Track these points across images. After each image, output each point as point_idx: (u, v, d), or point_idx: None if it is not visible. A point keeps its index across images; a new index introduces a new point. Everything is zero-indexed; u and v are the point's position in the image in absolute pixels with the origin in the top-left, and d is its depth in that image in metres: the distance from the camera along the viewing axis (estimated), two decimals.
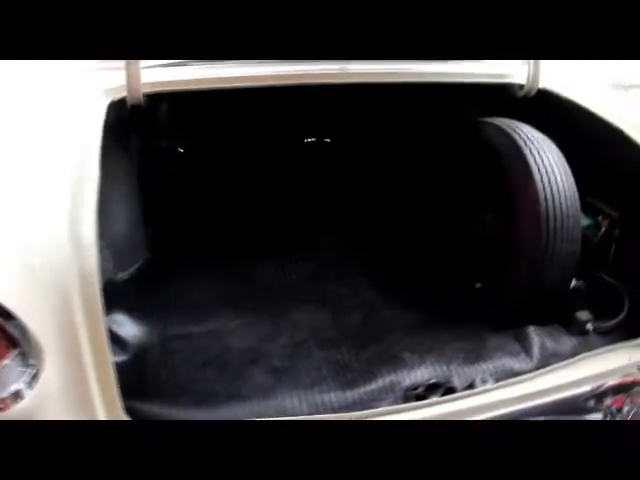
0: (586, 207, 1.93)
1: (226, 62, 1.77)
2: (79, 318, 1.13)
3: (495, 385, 1.44)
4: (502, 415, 1.36)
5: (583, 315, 1.69)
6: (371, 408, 1.37)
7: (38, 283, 1.10)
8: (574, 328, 1.69)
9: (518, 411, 1.37)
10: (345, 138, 2.39)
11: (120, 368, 1.46)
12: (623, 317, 1.70)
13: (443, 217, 2.07)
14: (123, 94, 1.65)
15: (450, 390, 1.45)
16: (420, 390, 1.45)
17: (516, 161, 1.66)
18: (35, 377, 1.11)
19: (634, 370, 1.49)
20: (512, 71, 2.00)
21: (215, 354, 1.56)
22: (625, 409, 1.44)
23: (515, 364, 1.56)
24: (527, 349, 1.61)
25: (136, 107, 1.69)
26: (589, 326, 1.68)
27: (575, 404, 1.42)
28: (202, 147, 2.28)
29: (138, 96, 1.66)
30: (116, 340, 1.51)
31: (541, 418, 1.38)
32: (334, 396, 1.43)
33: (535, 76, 1.98)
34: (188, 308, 1.75)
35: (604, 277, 1.80)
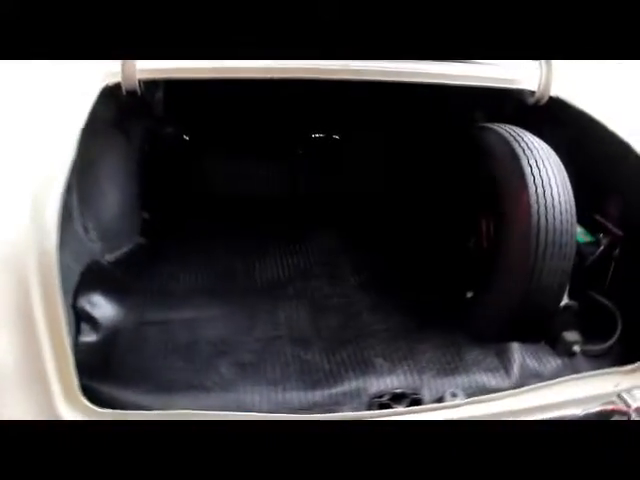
0: (592, 224, 1.86)
1: None
2: (36, 297, 1.14)
3: (465, 401, 1.39)
4: None
5: (571, 336, 1.61)
6: (332, 412, 1.35)
7: None
8: (560, 349, 1.61)
9: None
10: (348, 134, 2.36)
11: (88, 348, 1.50)
12: (614, 341, 1.62)
13: (440, 220, 2.01)
14: (119, 79, 1.67)
15: (416, 402, 1.41)
16: (385, 399, 1.41)
17: (512, 169, 1.59)
18: None
19: (615, 398, 1.41)
20: (523, 77, 1.91)
21: (186, 343, 1.56)
22: None
23: (491, 381, 1.50)
24: (506, 366, 1.54)
25: (133, 92, 1.70)
26: (576, 348, 1.60)
27: None
28: (206, 135, 2.28)
29: (133, 82, 1.67)
30: (88, 320, 1.54)
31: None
32: (296, 395, 1.41)
33: (547, 83, 1.90)
34: (169, 295, 1.75)
35: (598, 298, 1.71)
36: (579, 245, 1.75)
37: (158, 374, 1.44)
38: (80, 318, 1.51)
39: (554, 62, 1.86)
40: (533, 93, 1.92)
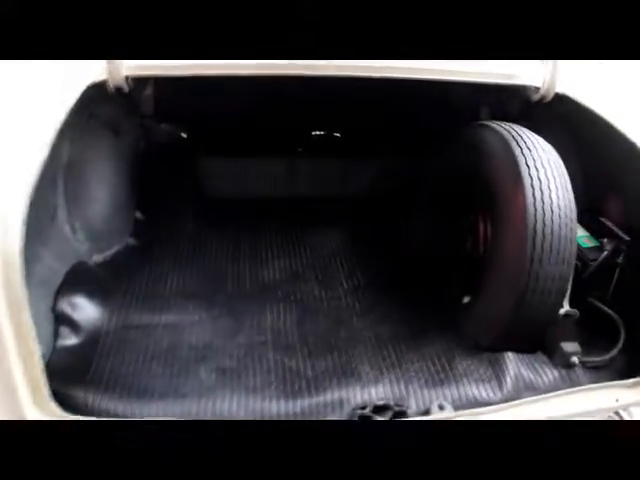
0: (597, 227, 1.77)
1: None
2: (1, 302, 1.11)
3: (452, 414, 1.32)
4: None
5: (570, 346, 1.53)
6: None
7: None
8: (558, 359, 1.53)
9: None
10: (349, 132, 2.30)
11: (66, 352, 1.47)
12: (616, 353, 1.53)
13: (438, 221, 1.93)
14: (105, 76, 1.63)
15: (400, 414, 1.35)
16: (367, 410, 1.35)
17: (508, 170, 1.51)
18: None
19: (611, 414, 1.33)
20: (528, 73, 1.82)
21: (167, 347, 1.52)
22: None
23: (482, 393, 1.43)
24: (500, 377, 1.47)
25: (120, 90, 1.67)
26: (575, 359, 1.51)
27: None
28: (203, 132, 2.24)
29: (120, 79, 1.64)
30: (68, 323, 1.51)
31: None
32: (276, 405, 1.36)
33: (552, 79, 1.81)
34: (154, 298, 1.71)
35: (601, 306, 1.62)
36: (581, 250, 1.66)
37: (135, 380, 1.41)
38: (59, 321, 1.49)
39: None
40: (538, 89, 1.84)
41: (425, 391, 1.42)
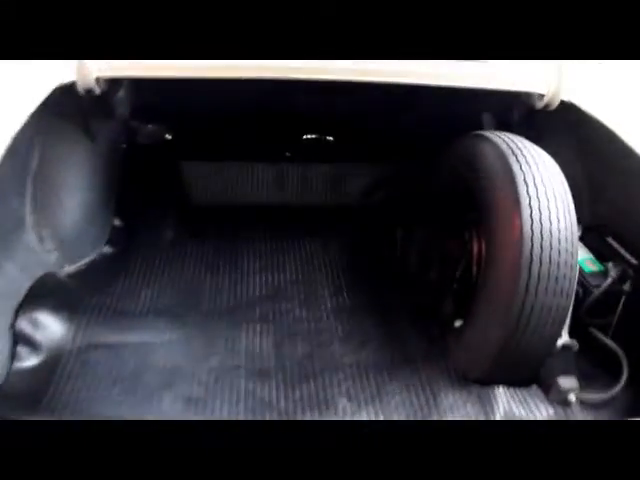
0: (602, 247, 1.63)
1: None
2: None
3: None
4: None
5: (567, 382, 1.40)
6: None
7: None
8: (554, 396, 1.41)
9: None
10: (342, 136, 2.17)
11: (23, 374, 1.37)
12: (618, 390, 1.40)
13: (431, 237, 1.81)
14: (74, 78, 1.53)
15: None
16: None
17: (504, 188, 1.38)
18: None
19: None
20: (532, 80, 1.69)
21: (132, 371, 1.42)
22: None
23: None
24: (488, 415, 1.36)
25: (91, 91, 1.57)
26: (572, 396, 1.39)
27: None
28: (189, 134, 2.13)
29: (89, 80, 1.53)
30: (27, 343, 1.42)
31: None
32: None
33: (558, 86, 1.67)
34: (124, 314, 1.61)
35: (603, 338, 1.49)
36: (583, 275, 1.53)
37: (93, 407, 1.31)
38: (18, 341, 1.40)
39: (566, 65, 1.63)
40: (542, 97, 1.70)
41: None
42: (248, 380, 1.43)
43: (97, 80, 1.56)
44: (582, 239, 1.66)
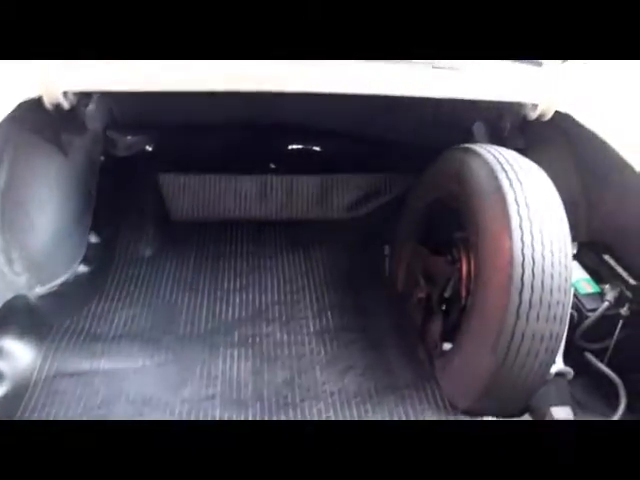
0: (599, 266, 1.55)
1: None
2: None
3: None
4: None
5: (561, 412, 1.32)
6: None
7: None
8: None
9: None
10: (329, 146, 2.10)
11: None
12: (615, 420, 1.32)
13: (418, 255, 1.72)
14: (40, 92, 1.46)
15: None
16: None
17: (493, 206, 1.29)
18: None
19: None
20: (525, 89, 1.60)
21: (101, 401, 1.35)
22: None
23: None
24: None
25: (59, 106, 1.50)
26: None
27: None
28: (168, 146, 2.05)
29: (56, 95, 1.46)
30: None
31: None
32: None
33: (552, 96, 1.59)
34: (97, 339, 1.54)
35: (599, 365, 1.41)
36: (578, 298, 1.46)
37: None
38: None
39: (561, 74, 1.55)
40: (536, 107, 1.62)
41: None
42: (223, 410, 1.36)
43: (65, 94, 1.49)
44: (578, 257, 1.58)
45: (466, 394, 1.36)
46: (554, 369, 1.36)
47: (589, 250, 1.58)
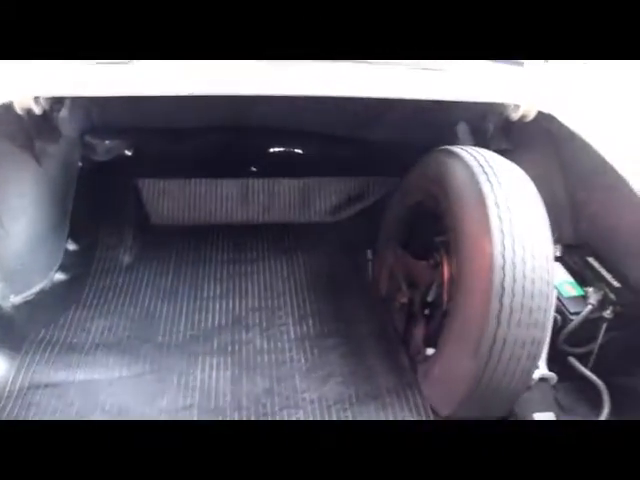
0: (583, 268, 1.53)
1: None
2: None
3: None
4: None
5: (544, 418, 1.30)
6: None
7: None
8: None
9: None
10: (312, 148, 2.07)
11: None
12: None
13: (402, 260, 1.70)
14: (11, 98, 1.42)
15: None
16: None
17: (473, 210, 1.27)
18: None
19: None
20: (508, 90, 1.58)
21: (76, 413, 1.31)
22: None
23: None
24: None
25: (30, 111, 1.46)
26: None
27: None
28: (146, 151, 2.02)
29: (27, 100, 1.43)
30: None
31: None
32: None
33: (534, 96, 1.57)
34: (72, 349, 1.50)
35: (583, 370, 1.39)
36: (562, 301, 1.43)
37: None
38: None
39: (542, 74, 1.53)
40: (518, 107, 1.60)
41: None
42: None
43: (36, 99, 1.46)
44: (562, 259, 1.57)
45: (448, 400, 1.34)
46: (537, 374, 1.34)
47: (573, 252, 1.56)
